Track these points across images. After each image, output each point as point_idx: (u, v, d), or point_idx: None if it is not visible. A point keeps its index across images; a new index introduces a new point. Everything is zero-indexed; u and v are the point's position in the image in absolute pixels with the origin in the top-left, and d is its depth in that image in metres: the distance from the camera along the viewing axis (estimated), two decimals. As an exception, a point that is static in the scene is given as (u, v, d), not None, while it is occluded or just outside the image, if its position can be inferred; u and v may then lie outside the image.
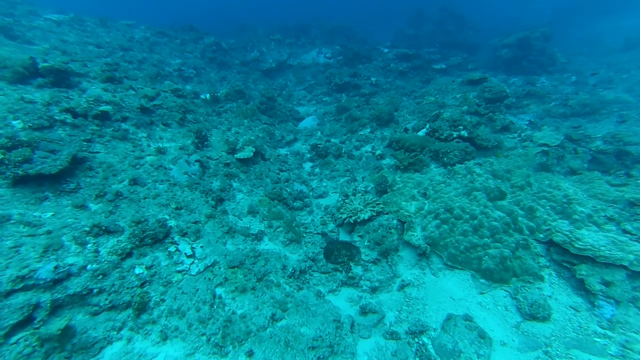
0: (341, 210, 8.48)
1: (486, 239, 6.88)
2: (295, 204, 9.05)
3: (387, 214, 8.21)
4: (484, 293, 6.47)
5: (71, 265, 5.18)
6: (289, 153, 12.10)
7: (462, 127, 10.97)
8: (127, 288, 5.49)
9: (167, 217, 6.91)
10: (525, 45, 21.03)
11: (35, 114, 7.48)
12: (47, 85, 8.50)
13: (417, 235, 7.67)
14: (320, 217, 8.91)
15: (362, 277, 7.32)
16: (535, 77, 19.84)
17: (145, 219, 6.54)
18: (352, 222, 8.14)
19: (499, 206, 7.30)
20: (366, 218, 8.06)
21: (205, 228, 7.17)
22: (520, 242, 6.57)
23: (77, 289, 5.04)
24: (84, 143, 7.81)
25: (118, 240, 5.95)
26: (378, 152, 11.66)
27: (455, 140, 10.94)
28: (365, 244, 7.86)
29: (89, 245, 5.62)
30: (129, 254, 5.93)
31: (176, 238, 6.60)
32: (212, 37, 22.76)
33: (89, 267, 5.31)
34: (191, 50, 21.37)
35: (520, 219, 6.98)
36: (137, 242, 6.06)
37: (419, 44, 29.47)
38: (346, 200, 8.76)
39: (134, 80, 12.29)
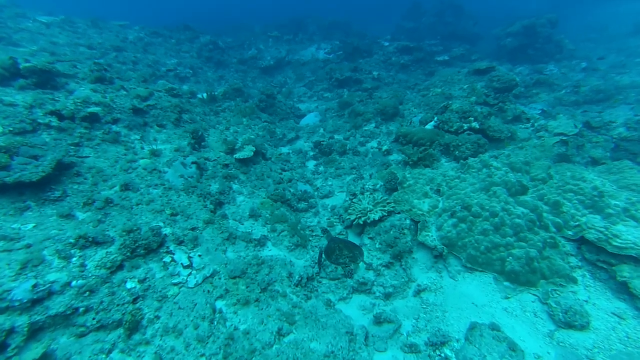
0: (349, 211, 7.92)
1: (509, 237, 6.30)
2: (299, 205, 8.50)
3: (398, 213, 7.64)
4: (509, 297, 5.90)
5: (53, 282, 4.65)
6: (291, 151, 11.55)
7: (472, 119, 10.37)
8: (118, 305, 4.95)
9: (161, 224, 6.37)
10: (531, 33, 20.37)
11: (16, 117, 6.95)
12: (30, 86, 7.98)
13: (432, 236, 7.11)
14: (327, 219, 8.35)
15: (375, 283, 6.77)
16: (543, 65, 19.19)
17: (138, 228, 6.00)
18: (361, 223, 7.58)
19: (521, 202, 6.72)
20: (377, 218, 7.49)
21: (203, 235, 6.63)
22: (548, 240, 5.99)
23: (60, 309, 4.51)
24: (72, 147, 7.29)
25: (107, 252, 5.41)
26: (385, 147, 11.09)
27: (466, 132, 10.36)
28: (377, 246, 7.30)
29: (74, 259, 5.09)
30: (120, 267, 5.39)
31: (172, 247, 6.06)
32: (208, 36, 22.21)
33: (73, 283, 4.78)
34: (187, 50, 20.82)
35: (545, 215, 6.40)
36: (128, 253, 5.52)
37: (419, 37, 28.84)
38: (354, 200, 8.20)
39: (127, 81, 11.76)
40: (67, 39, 14.91)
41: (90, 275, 5.00)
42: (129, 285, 5.22)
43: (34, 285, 4.42)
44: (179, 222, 6.62)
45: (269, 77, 20.89)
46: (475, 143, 9.44)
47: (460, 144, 9.62)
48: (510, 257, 6.08)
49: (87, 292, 4.82)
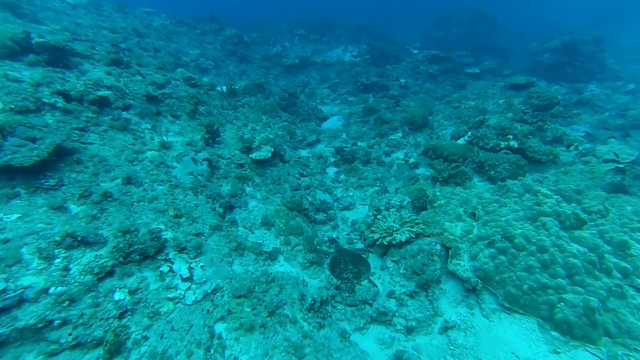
0: (373, 228, 7.08)
1: (561, 279, 5.36)
2: (317, 216, 7.70)
3: (428, 236, 6.77)
4: (559, 353, 4.95)
5: (27, 287, 3.95)
6: (310, 155, 10.77)
7: (511, 137, 9.42)
8: (101, 319, 4.23)
9: (162, 227, 5.65)
10: (572, 50, 19.20)
11: (19, 94, 6.37)
12: (41, 63, 7.42)
13: (464, 266, 6.21)
14: (347, 234, 7.53)
15: (396, 313, 5.92)
16: (582, 84, 17.98)
17: (135, 229, 5.30)
18: (385, 243, 6.72)
19: (577, 238, 5.76)
20: (403, 240, 6.63)
21: (208, 242, 5.89)
22: (613, 289, 5.03)
23: (31, 321, 3.80)
24: (76, 132, 6.66)
25: (97, 255, 4.71)
26: (412, 159, 10.21)
27: (503, 151, 9.41)
28: (401, 271, 6.44)
29: (56, 261, 4.39)
30: (110, 273, 4.68)
31: (171, 255, 5.33)
32: (233, 29, 21.74)
33: (52, 290, 4.07)
34: (211, 42, 20.37)
35: (607, 256, 5.43)
36: (121, 259, 4.81)
37: (448, 47, 27.86)
38: (378, 216, 7.35)
39: (146, 67, 11.22)
40: (91, 21, 14.54)
41: (73, 281, 4.30)
42: (117, 296, 4.49)
43: (2, 291, 3.72)
44: (183, 226, 5.89)
45: (291, 76, 20.24)
46: (514, 164, 8.49)
47: (497, 163, 8.68)
48: (563, 304, 5.13)
49: (67, 302, 4.11)
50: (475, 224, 6.83)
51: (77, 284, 4.30)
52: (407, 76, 20.37)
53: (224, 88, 12.10)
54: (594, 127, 12.66)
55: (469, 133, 10.32)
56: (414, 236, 6.73)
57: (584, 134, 11.61)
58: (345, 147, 10.59)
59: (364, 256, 6.67)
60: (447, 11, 34.22)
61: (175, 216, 5.96)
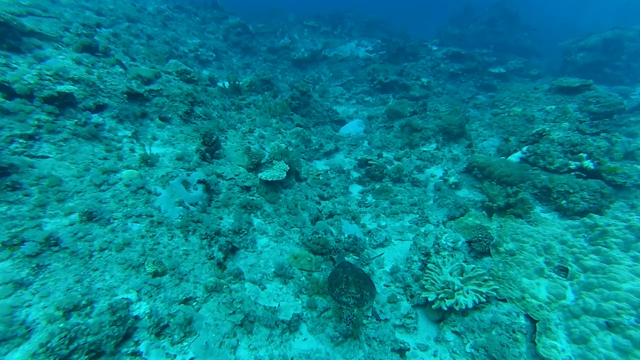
0: (424, 283, 5.25)
1: None
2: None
3: (504, 300, 4.95)
4: None
5: None
6: (329, 168, 8.90)
7: (585, 155, 7.59)
8: None
9: (133, 294, 3.79)
10: (614, 48, 17.35)
11: None
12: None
13: (563, 350, 4.39)
14: (385, 285, 5.69)
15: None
16: (626, 87, 16.11)
17: (89, 301, 3.45)
18: (445, 308, 4.89)
19: None
20: (470, 306, 4.81)
21: (202, 314, 4.04)
22: None
23: None
24: (20, 141, 4.79)
25: (15, 362, 2.86)
26: (452, 179, 8.38)
27: (573, 173, 7.59)
28: (468, 350, 4.64)
29: None
30: (36, 393, 2.84)
31: (143, 344, 3.48)
32: (237, 18, 19.70)
33: None
34: (212, 31, 18.35)
35: None
36: (57, 363, 2.96)
37: (466, 45, 25.99)
38: (429, 265, 5.51)
39: (136, 55, 9.28)
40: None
41: None
42: None
43: None
44: (166, 289, 4.04)
45: (300, 71, 18.29)
46: (596, 192, 6.66)
47: (571, 190, 6.85)
48: None
49: None
50: (567, 283, 5.00)
51: None
52: (427, 75, 18.49)
53: (226, 84, 10.18)
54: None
55: (524, 148, 8.48)
56: (484, 300, 4.91)
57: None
58: (371, 161, 8.72)
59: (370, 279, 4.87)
60: (464, 6, 32.31)
61: (155, 273, 4.10)
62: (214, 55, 15.97)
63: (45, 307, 3.27)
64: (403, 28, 31.00)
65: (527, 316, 4.77)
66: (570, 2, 48.37)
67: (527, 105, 11.94)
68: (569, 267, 5.16)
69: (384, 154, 9.87)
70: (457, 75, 19.41)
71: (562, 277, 5.14)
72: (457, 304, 4.85)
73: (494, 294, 4.97)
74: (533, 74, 19.98)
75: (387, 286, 5.67)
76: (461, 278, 5.16)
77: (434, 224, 7.13)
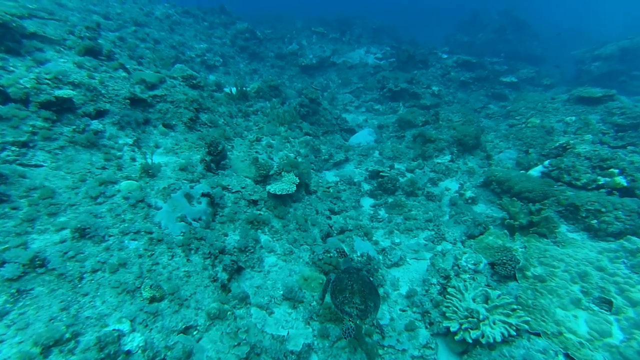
0: (445, 310, 4.79)
1: None
2: (360, 283, 5.41)
3: (537, 335, 4.48)
4: None
5: None
6: (339, 179, 8.50)
7: (617, 171, 7.12)
8: None
9: (126, 325, 3.38)
10: (632, 57, 16.91)
11: None
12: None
13: (605, 392, 3.91)
14: (401, 310, 5.24)
15: None
16: (643, 99, 15.64)
17: (75, 334, 3.06)
18: (470, 340, 4.43)
19: None
20: (498, 340, 4.34)
21: (203, 345, 3.62)
22: None
23: None
24: (12, 148, 4.44)
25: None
26: (468, 193, 7.94)
27: (604, 190, 7.12)
28: (496, 389, 4.16)
29: None
30: None
31: (135, 385, 3.07)
32: (245, 24, 19.51)
33: None
34: (220, 36, 18.16)
35: None
36: (35, 411, 2.55)
37: (475, 53, 25.65)
38: (449, 289, 5.06)
39: (141, 59, 9.01)
40: (80, 3, 12.34)
41: None
42: None
43: None
44: (163, 317, 3.63)
45: (308, 78, 17.99)
46: (634, 212, 6.18)
47: (603, 209, 6.37)
48: None
49: None
50: (612, 318, 4.52)
51: None
52: (438, 83, 18.16)
53: (234, 89, 9.87)
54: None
55: (546, 162, 8.03)
56: (514, 333, 4.44)
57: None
58: (384, 173, 8.31)
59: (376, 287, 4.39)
60: (473, 14, 32.10)
61: (153, 299, 3.70)
62: (221, 60, 15.74)
63: (21, 342, 2.87)
64: (411, 35, 30.72)
65: (567, 355, 4.29)
66: (577, 10, 47.99)
67: (545, 115, 11.49)
68: (612, 299, 4.68)
69: (396, 165, 9.46)
70: (468, 84, 19.09)
71: (606, 310, 4.65)
72: (483, 336, 4.39)
73: (526, 326, 4.51)
74: (546, 83, 19.58)
75: (404, 311, 5.22)
76: (486, 306, 4.70)
77: (450, 242, 6.68)
